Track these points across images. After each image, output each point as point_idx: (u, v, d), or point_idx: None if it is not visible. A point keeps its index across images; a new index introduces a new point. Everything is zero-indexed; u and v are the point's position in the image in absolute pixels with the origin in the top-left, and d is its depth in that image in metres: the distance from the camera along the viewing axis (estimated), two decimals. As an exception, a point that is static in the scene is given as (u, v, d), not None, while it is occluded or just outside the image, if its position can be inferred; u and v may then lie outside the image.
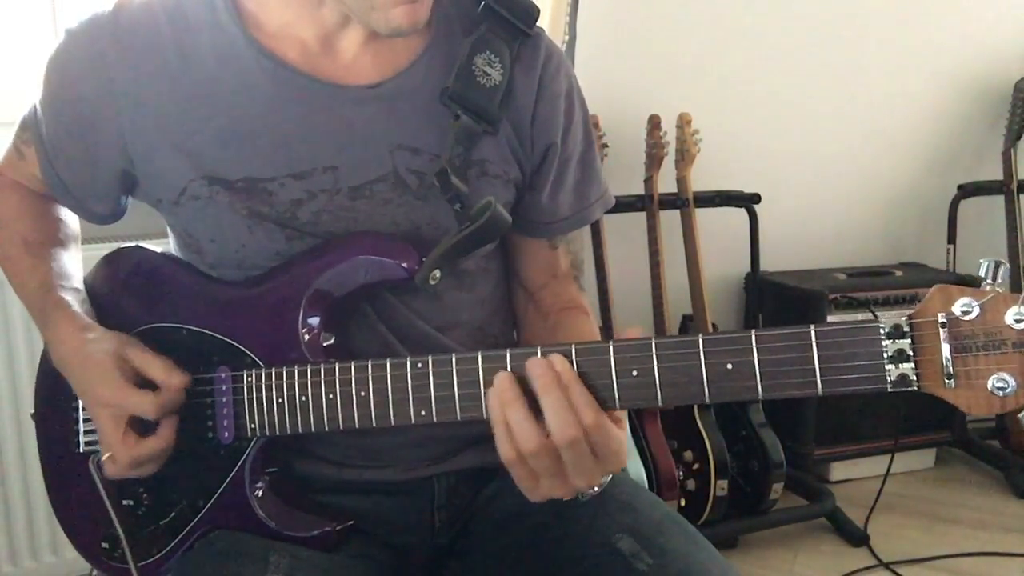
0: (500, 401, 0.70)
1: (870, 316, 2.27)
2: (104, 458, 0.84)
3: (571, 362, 0.69)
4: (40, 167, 0.92)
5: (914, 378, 0.60)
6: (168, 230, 0.96)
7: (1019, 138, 2.40)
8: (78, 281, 0.94)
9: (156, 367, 0.84)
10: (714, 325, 2.16)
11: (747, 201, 2.20)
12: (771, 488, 2.00)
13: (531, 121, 0.92)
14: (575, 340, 0.70)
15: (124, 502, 0.90)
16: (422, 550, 0.94)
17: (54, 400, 0.95)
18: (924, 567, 1.97)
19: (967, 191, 2.52)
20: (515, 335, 1.03)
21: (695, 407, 2.00)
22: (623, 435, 0.72)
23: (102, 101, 0.86)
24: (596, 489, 0.75)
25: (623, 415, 0.76)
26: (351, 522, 0.87)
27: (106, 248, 0.98)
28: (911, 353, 0.60)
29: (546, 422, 0.68)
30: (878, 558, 1.99)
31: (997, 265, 0.59)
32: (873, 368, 0.61)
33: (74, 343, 0.85)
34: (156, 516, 0.89)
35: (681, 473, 1.96)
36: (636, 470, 1.89)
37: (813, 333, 0.62)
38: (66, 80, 0.88)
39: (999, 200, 2.43)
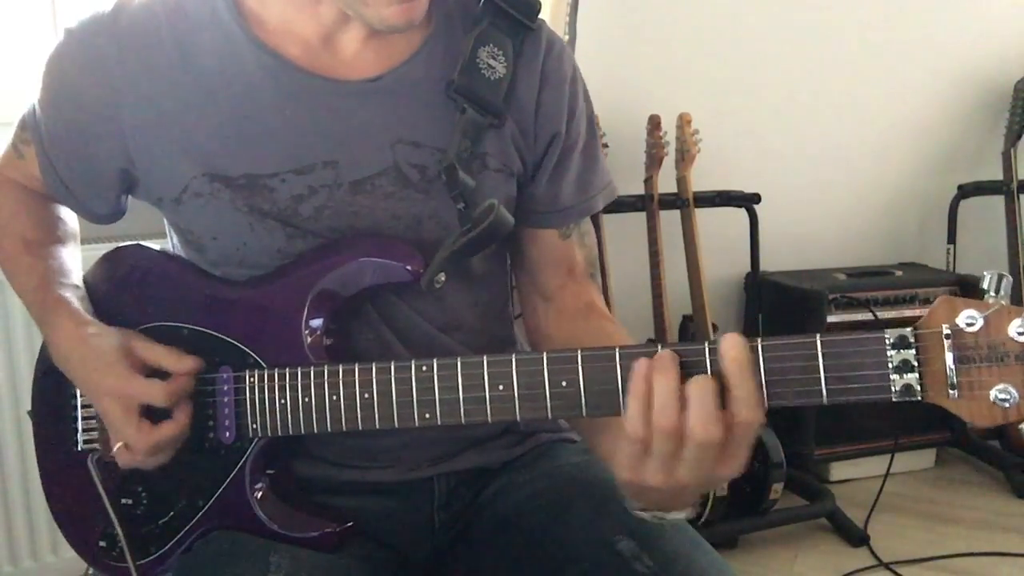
0: (649, 369, 0.65)
1: (870, 316, 2.24)
2: (116, 448, 0.83)
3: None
4: (39, 167, 0.92)
5: (918, 388, 0.61)
6: (168, 228, 0.96)
7: (1019, 138, 2.41)
8: (77, 279, 0.94)
9: (164, 355, 0.84)
10: (714, 325, 2.16)
11: (747, 201, 2.20)
12: (771, 488, 2.00)
13: (535, 111, 0.92)
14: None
15: (123, 501, 0.90)
16: (422, 551, 0.94)
17: (52, 399, 0.94)
18: (924, 567, 1.97)
19: (967, 191, 2.53)
20: (518, 336, 1.03)
21: (695, 407, 2.00)
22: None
23: (102, 100, 0.86)
24: (673, 516, 0.72)
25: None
26: (351, 523, 0.87)
27: (106, 248, 0.98)
28: (916, 364, 0.61)
29: (730, 408, 0.63)
30: (878, 558, 1.99)
31: (1000, 278, 0.60)
32: (878, 378, 0.61)
33: (75, 339, 0.85)
34: (155, 515, 0.89)
35: (681, 473, 1.95)
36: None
37: (819, 343, 0.62)
38: (66, 80, 0.88)
39: (999, 200, 2.43)
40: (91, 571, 0.95)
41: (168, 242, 0.98)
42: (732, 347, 0.63)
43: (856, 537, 2.07)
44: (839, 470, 2.38)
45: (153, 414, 0.83)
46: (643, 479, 0.66)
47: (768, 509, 2.05)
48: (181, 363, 0.84)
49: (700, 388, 0.63)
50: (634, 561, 0.79)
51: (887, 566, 1.96)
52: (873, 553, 2.01)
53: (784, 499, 2.05)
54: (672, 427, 0.63)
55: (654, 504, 0.71)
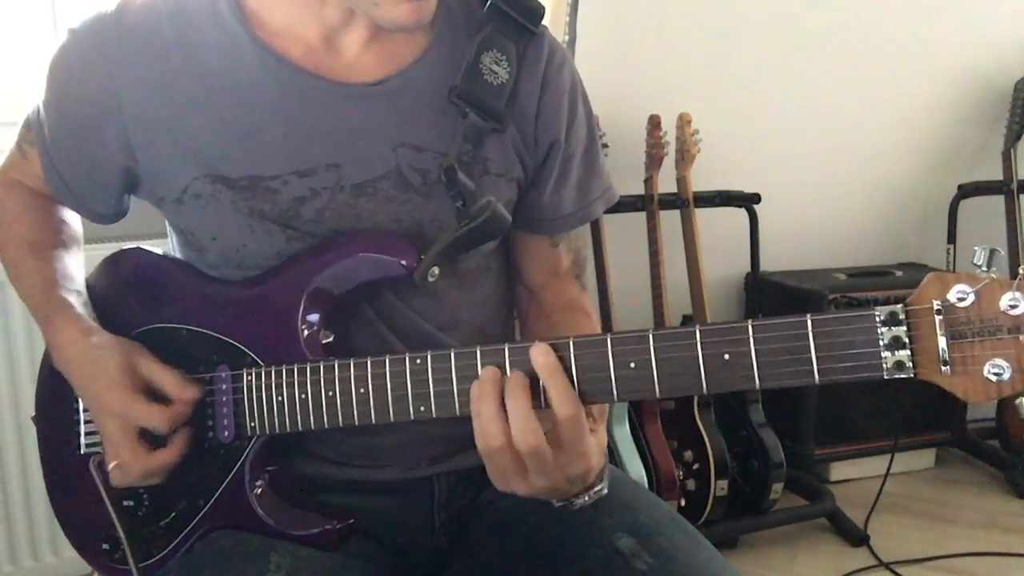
0: (477, 393, 0.71)
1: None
2: (111, 467, 0.83)
3: (569, 355, 0.70)
4: (42, 167, 0.92)
5: (910, 365, 0.60)
6: (168, 229, 0.96)
7: (1019, 138, 2.40)
8: (80, 283, 0.94)
9: (168, 380, 0.84)
10: (714, 325, 2.16)
11: (747, 201, 2.20)
12: (771, 488, 2.00)
13: (535, 118, 0.92)
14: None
15: (125, 503, 0.90)
16: (422, 550, 0.94)
17: (55, 402, 0.94)
18: (924, 567, 1.97)
19: (967, 191, 2.52)
20: (516, 336, 1.03)
21: (695, 406, 2.01)
22: (599, 441, 0.73)
23: (105, 100, 0.86)
24: (585, 499, 0.76)
25: (602, 423, 0.76)
26: (351, 520, 0.87)
27: (107, 249, 0.98)
28: (907, 340, 0.60)
29: (552, 408, 0.69)
30: (878, 558, 1.99)
31: (991, 252, 0.59)
32: (869, 356, 0.60)
33: (78, 346, 0.85)
34: (157, 516, 0.89)
35: (681, 473, 1.96)
36: (636, 470, 1.89)
37: (809, 322, 0.62)
38: (69, 79, 0.88)
39: (999, 200, 2.43)
40: (94, 574, 0.96)
41: (168, 243, 0.98)
42: (539, 354, 0.70)
43: (856, 537, 2.07)
44: (839, 470, 2.38)
45: (151, 437, 0.83)
46: (509, 487, 0.72)
47: (768, 509, 2.05)
48: (183, 390, 0.84)
49: (515, 403, 0.69)
50: (634, 559, 0.79)
51: (887, 566, 1.96)
52: (873, 553, 2.01)
53: (784, 499, 2.05)
54: (500, 446, 0.70)
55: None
